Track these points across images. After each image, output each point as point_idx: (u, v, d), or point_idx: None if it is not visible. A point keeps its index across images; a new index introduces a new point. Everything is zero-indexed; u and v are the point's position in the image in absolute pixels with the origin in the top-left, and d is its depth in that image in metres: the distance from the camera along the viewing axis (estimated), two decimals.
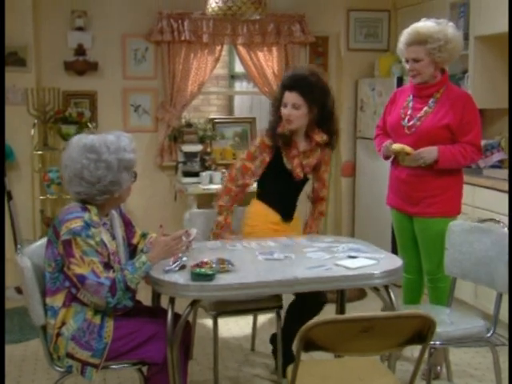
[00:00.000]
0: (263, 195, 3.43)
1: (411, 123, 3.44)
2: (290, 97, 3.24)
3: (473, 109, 3.40)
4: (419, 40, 3.35)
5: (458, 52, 3.41)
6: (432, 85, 3.41)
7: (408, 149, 3.38)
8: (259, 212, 3.41)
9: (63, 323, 2.53)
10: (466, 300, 4.24)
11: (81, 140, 2.60)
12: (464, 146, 3.35)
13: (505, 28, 4.12)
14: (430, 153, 3.34)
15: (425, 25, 3.38)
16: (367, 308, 4.52)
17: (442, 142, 3.35)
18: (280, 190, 3.39)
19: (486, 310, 3.92)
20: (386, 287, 2.80)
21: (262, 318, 4.26)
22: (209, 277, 2.56)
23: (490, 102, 4.59)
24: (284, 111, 3.27)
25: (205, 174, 5.11)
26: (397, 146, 3.41)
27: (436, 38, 3.32)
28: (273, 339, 3.54)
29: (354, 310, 4.42)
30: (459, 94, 3.43)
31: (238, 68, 6.72)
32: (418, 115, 3.43)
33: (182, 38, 5.27)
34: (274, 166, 3.34)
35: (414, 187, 3.45)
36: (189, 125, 5.31)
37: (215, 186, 5.04)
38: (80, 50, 5.19)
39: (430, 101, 3.41)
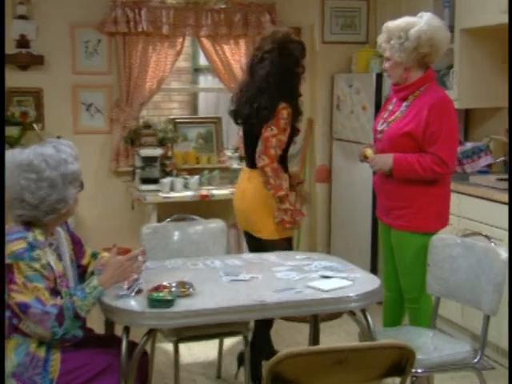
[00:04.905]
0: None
1: (381, 128, 3.50)
2: None
3: (442, 116, 3.31)
4: (387, 37, 3.40)
5: (419, 53, 3.33)
6: (405, 87, 3.43)
7: (368, 153, 3.46)
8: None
9: None
10: (453, 319, 4.30)
11: (15, 157, 2.56)
12: (424, 156, 3.31)
13: (493, 20, 4.18)
14: (383, 159, 3.39)
15: (397, 20, 3.41)
16: (344, 328, 4.56)
17: (406, 151, 3.35)
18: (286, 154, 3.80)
19: (475, 330, 3.98)
20: (363, 311, 2.84)
21: (230, 341, 4.27)
22: (168, 303, 2.57)
23: (478, 101, 4.67)
24: None
25: (165, 181, 5.10)
26: (365, 150, 3.50)
27: (397, 36, 3.34)
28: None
29: (330, 331, 4.46)
30: (431, 98, 3.34)
31: (203, 60, 6.70)
32: (390, 119, 3.47)
33: (139, 29, 5.25)
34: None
35: (384, 195, 3.53)
36: (147, 126, 5.29)
37: (177, 194, 5.05)
38: (23, 42, 5.13)
39: (404, 104, 3.45)
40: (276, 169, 3.62)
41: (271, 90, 3.62)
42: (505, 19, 4.02)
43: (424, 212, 3.40)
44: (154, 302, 2.57)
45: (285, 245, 3.72)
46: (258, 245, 3.75)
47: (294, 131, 3.76)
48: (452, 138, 3.37)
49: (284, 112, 3.60)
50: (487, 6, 4.23)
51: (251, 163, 3.76)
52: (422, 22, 3.35)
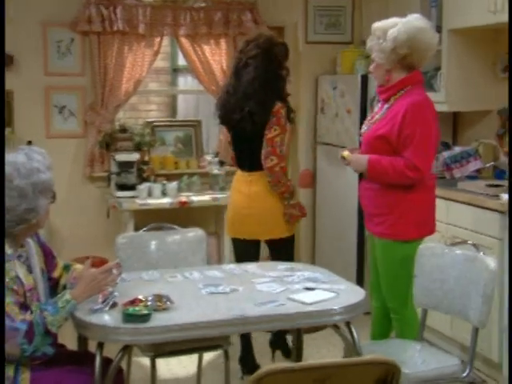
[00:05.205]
0: None
1: (363, 130, 3.58)
2: None
3: (417, 120, 3.32)
4: (371, 37, 3.47)
5: (398, 54, 3.36)
6: (386, 88, 3.48)
7: (345, 154, 3.52)
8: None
9: None
10: (442, 330, 4.31)
11: None
12: (398, 159, 3.33)
13: (482, 21, 4.21)
14: (360, 160, 3.44)
15: (384, 21, 3.46)
16: (329, 340, 4.55)
17: (382, 154, 3.39)
18: None
19: (464, 341, 3.98)
20: (348, 323, 2.84)
21: (210, 355, 4.25)
22: (144, 317, 2.56)
23: (466, 104, 4.70)
24: None
25: (142, 187, 5.09)
26: (342, 151, 3.57)
27: (377, 36, 3.41)
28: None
29: (314, 343, 4.46)
30: (408, 101, 3.36)
31: (182, 61, 6.69)
32: (372, 121, 3.53)
33: (115, 29, 5.24)
34: None
35: (366, 201, 3.57)
36: (123, 129, 5.28)
37: (154, 201, 5.04)
38: None
39: (385, 106, 3.49)
40: (284, 167, 3.80)
41: (258, 95, 3.72)
42: (493, 19, 4.06)
43: (405, 218, 3.42)
44: (129, 317, 2.55)
45: (292, 240, 4.06)
46: (256, 250, 3.97)
47: None
48: (426, 142, 3.37)
49: (282, 111, 3.75)
50: (475, 6, 4.25)
51: (249, 166, 3.86)
52: (401, 23, 3.39)
